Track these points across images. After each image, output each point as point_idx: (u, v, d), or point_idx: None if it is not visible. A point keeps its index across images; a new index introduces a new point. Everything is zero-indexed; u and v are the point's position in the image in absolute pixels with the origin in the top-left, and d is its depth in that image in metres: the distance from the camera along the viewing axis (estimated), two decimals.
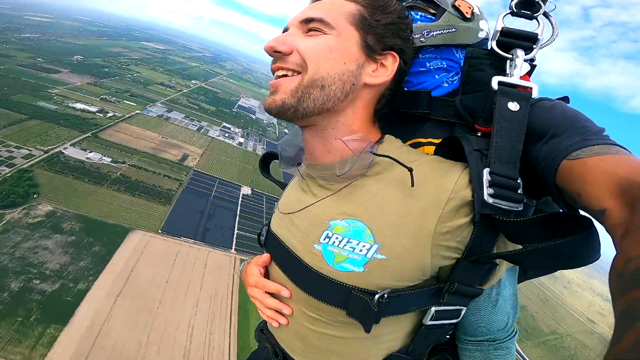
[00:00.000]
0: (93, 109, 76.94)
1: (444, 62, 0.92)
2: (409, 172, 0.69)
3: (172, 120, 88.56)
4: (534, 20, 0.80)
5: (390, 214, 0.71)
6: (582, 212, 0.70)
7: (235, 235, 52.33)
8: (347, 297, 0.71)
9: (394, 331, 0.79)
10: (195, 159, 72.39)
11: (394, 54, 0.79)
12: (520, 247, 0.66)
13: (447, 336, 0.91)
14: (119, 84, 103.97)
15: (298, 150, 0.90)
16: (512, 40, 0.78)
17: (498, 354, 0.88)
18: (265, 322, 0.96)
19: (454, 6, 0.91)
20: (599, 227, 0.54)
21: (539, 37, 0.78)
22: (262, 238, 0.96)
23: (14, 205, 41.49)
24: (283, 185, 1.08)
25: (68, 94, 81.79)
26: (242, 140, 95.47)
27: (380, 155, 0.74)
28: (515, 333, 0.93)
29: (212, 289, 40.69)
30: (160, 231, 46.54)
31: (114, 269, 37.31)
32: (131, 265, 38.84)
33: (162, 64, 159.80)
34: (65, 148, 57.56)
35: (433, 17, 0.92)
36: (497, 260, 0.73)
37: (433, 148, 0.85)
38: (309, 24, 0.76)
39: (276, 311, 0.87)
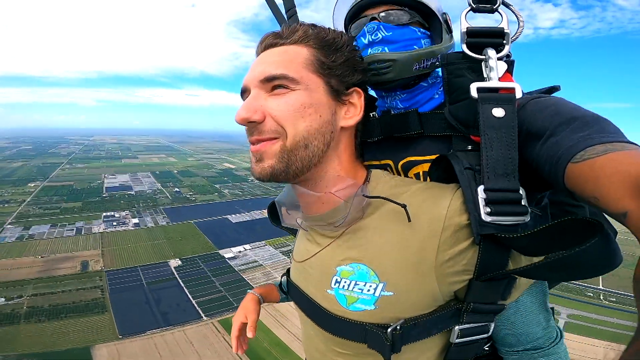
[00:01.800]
0: None
1: (435, 78, 1.06)
2: (402, 208, 0.80)
3: (39, 237, 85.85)
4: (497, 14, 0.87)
5: (389, 251, 0.82)
6: (591, 214, 0.89)
7: (196, 305, 58.75)
8: (365, 332, 0.84)
9: (425, 352, 0.89)
10: (99, 261, 74.20)
11: (358, 89, 0.91)
12: (538, 259, 0.71)
13: (487, 348, 1.04)
14: None
15: (295, 204, 0.98)
16: (481, 39, 0.84)
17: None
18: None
19: (445, 20, 1.04)
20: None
21: (505, 30, 0.84)
22: (284, 287, 1.16)
23: None
24: (294, 232, 1.21)
25: None
26: (136, 220, 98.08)
27: (373, 197, 0.85)
28: (559, 337, 1.04)
29: (215, 358, 46.83)
30: (120, 336, 50.25)
31: None
32: None
33: None
34: None
35: (428, 32, 1.04)
36: None
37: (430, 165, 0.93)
38: (272, 82, 0.83)
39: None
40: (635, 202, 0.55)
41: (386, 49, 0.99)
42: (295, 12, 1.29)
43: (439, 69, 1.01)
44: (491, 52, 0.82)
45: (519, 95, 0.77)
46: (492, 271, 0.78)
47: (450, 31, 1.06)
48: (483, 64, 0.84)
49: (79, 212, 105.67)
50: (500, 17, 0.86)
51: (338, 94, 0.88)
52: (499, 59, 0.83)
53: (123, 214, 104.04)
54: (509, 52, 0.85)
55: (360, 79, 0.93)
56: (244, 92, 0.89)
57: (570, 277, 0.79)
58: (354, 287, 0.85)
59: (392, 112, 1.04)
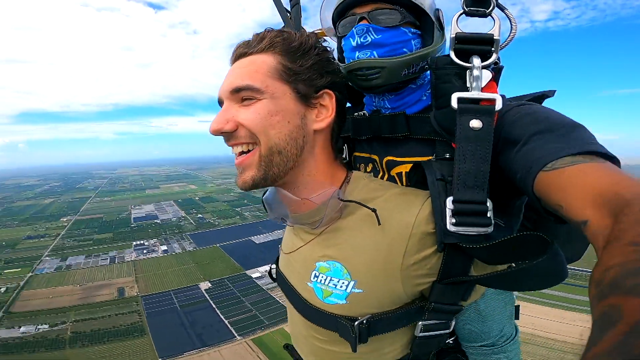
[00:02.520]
0: None
1: (425, 80, 1.03)
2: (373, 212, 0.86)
3: (76, 267, 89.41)
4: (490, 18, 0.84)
5: (362, 252, 0.88)
6: (546, 228, 0.97)
7: (229, 324, 60.49)
8: (336, 323, 0.91)
9: (392, 343, 0.97)
10: (134, 287, 76.80)
11: (328, 91, 0.92)
12: (493, 269, 0.81)
13: (451, 341, 1.09)
14: None
15: (280, 201, 1.01)
16: (469, 46, 0.83)
17: (498, 357, 1.06)
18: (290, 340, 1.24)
19: (437, 17, 1.00)
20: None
21: (495, 37, 0.82)
22: (274, 274, 1.22)
23: None
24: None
25: None
26: (164, 247, 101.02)
27: (346, 201, 0.90)
28: (514, 336, 1.09)
29: None
30: (160, 359, 52.13)
31: None
32: None
33: (9, 216, 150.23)
34: None
35: (419, 32, 1.00)
36: None
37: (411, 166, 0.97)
38: (240, 93, 0.86)
39: None
40: (595, 212, 0.57)
41: (375, 53, 0.96)
42: (298, 2, 1.33)
43: (428, 71, 1.00)
44: (476, 61, 0.81)
45: (499, 107, 0.77)
46: (453, 276, 0.84)
47: (441, 28, 1.02)
48: (468, 72, 0.83)
49: (110, 242, 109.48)
50: (492, 21, 0.84)
51: (306, 98, 0.89)
52: (486, 67, 0.82)
53: (152, 241, 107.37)
54: (498, 58, 0.84)
55: (330, 81, 0.93)
56: (220, 104, 0.92)
57: (521, 288, 0.85)
58: (329, 283, 0.92)
59: (382, 112, 1.05)
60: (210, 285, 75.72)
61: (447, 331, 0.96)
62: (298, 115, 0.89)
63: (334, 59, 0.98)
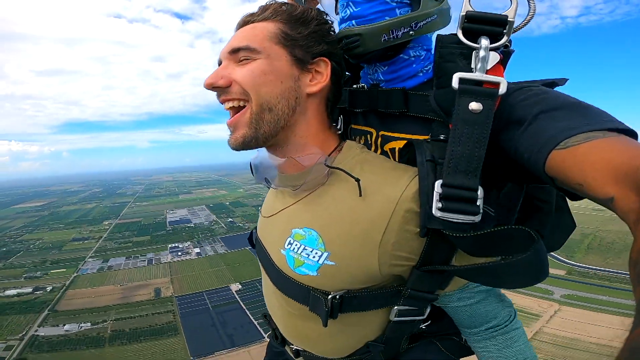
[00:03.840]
0: (27, 289, 78.25)
1: (422, 51, 0.98)
2: (363, 183, 0.82)
3: (117, 267, 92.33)
4: None
5: (341, 223, 0.84)
6: (557, 208, 0.93)
7: (258, 325, 60.47)
8: (308, 295, 0.88)
9: (365, 323, 0.94)
10: (169, 288, 78.45)
11: (324, 59, 0.92)
12: (472, 261, 0.76)
13: (424, 327, 1.04)
14: (30, 257, 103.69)
15: (268, 162, 0.99)
16: (479, 26, 0.77)
17: (506, 337, 0.99)
18: (267, 309, 1.17)
19: None
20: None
21: (509, 19, 0.75)
22: (254, 239, 1.17)
23: None
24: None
25: None
26: (197, 250, 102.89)
27: (332, 167, 0.87)
28: (515, 314, 1.03)
29: None
30: (192, 358, 52.82)
31: None
32: None
33: (56, 220, 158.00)
34: (36, 331, 60.41)
35: (408, 1, 0.94)
36: None
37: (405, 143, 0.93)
38: (238, 54, 0.87)
39: None
40: (618, 188, 0.54)
41: (353, 22, 0.95)
42: None
43: (424, 49, 0.98)
44: (484, 42, 0.75)
45: (502, 90, 0.72)
46: (433, 264, 0.80)
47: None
48: (474, 53, 0.78)
49: (148, 244, 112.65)
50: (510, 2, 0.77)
51: (302, 63, 0.90)
52: (494, 49, 0.77)
53: (186, 244, 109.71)
54: (509, 41, 0.79)
55: (328, 49, 0.93)
56: (219, 65, 0.92)
57: (501, 284, 0.82)
58: (302, 252, 0.89)
59: (381, 86, 1.01)
60: (240, 286, 76.23)
61: (422, 318, 0.95)
62: (292, 77, 0.89)
63: (334, 32, 0.98)
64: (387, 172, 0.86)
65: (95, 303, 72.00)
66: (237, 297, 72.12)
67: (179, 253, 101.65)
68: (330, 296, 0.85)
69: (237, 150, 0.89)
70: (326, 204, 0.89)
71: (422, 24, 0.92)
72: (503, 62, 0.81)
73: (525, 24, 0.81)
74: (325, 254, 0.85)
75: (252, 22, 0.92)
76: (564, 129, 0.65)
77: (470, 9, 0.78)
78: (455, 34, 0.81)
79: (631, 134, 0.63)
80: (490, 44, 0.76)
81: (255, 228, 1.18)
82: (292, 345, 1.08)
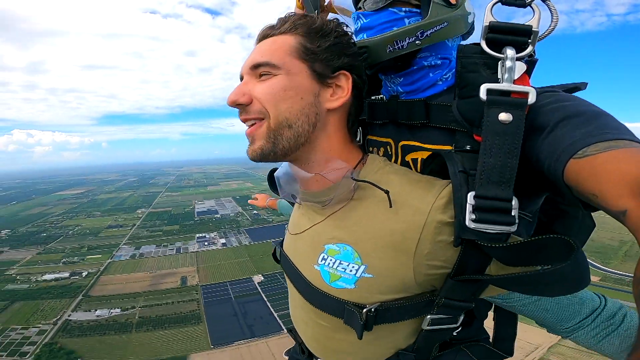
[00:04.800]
0: (64, 274, 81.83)
1: (438, 60, 0.96)
2: (390, 196, 0.81)
3: (147, 255, 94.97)
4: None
5: (374, 237, 0.83)
6: (583, 213, 0.90)
7: (277, 318, 60.54)
8: (343, 309, 0.86)
9: (397, 333, 0.92)
10: (195, 277, 79.89)
11: (345, 72, 0.89)
12: (513, 270, 0.74)
13: (455, 333, 1.00)
14: (68, 243, 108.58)
15: (293, 178, 0.98)
16: (503, 36, 0.76)
17: (613, 322, 0.98)
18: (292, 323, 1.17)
19: None
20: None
21: (533, 29, 0.75)
22: (278, 255, 1.16)
23: None
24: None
25: (28, 270, 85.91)
26: (223, 241, 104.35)
27: (359, 180, 0.86)
28: (603, 303, 1.01)
29: None
30: (212, 346, 53.45)
31: None
32: None
33: (94, 207, 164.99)
34: (69, 315, 63.02)
35: (418, 10, 0.93)
36: None
37: (429, 154, 0.91)
38: (258, 69, 0.86)
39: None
40: (634, 201, 0.53)
41: (364, 35, 0.96)
42: None
43: (440, 57, 0.96)
44: (510, 52, 0.75)
45: (532, 100, 0.72)
46: (468, 273, 0.78)
47: (449, 4, 0.94)
48: (500, 63, 0.77)
49: (177, 234, 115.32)
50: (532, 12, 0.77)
51: (322, 77, 0.88)
52: (520, 59, 0.76)
53: (212, 235, 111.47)
54: (533, 51, 0.77)
55: (348, 62, 0.91)
56: (241, 80, 0.92)
57: (540, 292, 0.81)
58: (338, 266, 0.87)
59: (400, 98, 1.00)
60: (262, 278, 76.54)
61: (455, 325, 0.91)
62: (312, 92, 0.87)
63: (354, 44, 0.95)
64: (413, 184, 0.85)
65: (125, 289, 74.32)
66: (259, 288, 72.43)
67: (206, 243, 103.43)
68: (365, 309, 0.83)
69: (255, 161, 0.89)
70: (357, 219, 0.88)
71: (429, 32, 0.91)
72: (528, 71, 0.79)
73: (549, 33, 0.79)
74: (362, 267, 0.84)
75: (272, 35, 0.91)
76: (583, 136, 0.64)
77: (493, 20, 0.77)
78: (478, 44, 0.81)
79: None
80: (516, 53, 0.75)
81: (280, 244, 1.17)
82: (319, 358, 1.06)
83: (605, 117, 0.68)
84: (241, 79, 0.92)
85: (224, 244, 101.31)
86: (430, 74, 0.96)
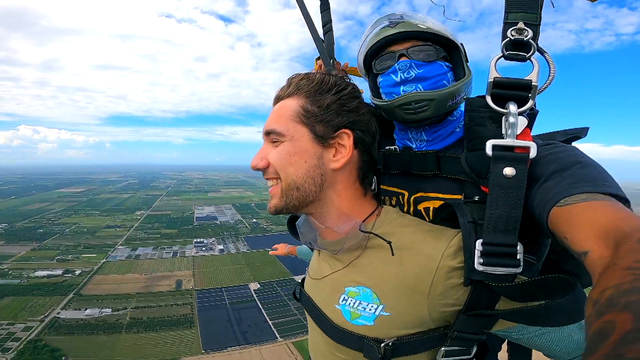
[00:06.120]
0: (57, 272, 79.84)
1: (459, 111, 1.03)
2: (402, 243, 0.90)
3: (143, 257, 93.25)
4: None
5: (390, 280, 0.90)
6: (568, 267, 1.00)
7: (272, 326, 58.59)
8: (362, 343, 0.92)
9: None
10: (190, 281, 77.97)
11: (347, 131, 0.95)
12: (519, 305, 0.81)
13: None
14: (64, 240, 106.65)
15: (311, 228, 1.06)
16: (506, 91, 0.81)
17: None
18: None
19: (462, 46, 1.01)
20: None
21: (532, 83, 0.79)
22: (297, 295, 1.23)
23: None
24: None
25: (21, 265, 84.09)
26: (221, 247, 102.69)
27: (365, 232, 0.94)
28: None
29: None
30: (204, 350, 51.32)
31: None
32: None
33: (93, 206, 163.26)
34: (58, 313, 60.94)
35: (450, 64, 1.01)
36: None
37: (440, 203, 0.97)
38: (270, 136, 0.97)
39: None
40: (596, 244, 0.58)
41: (420, 86, 0.96)
42: (331, 28, 1.46)
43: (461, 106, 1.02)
44: (513, 108, 0.80)
45: (533, 155, 0.77)
46: (479, 309, 0.84)
47: (466, 60, 1.03)
48: (503, 118, 0.82)
49: (175, 237, 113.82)
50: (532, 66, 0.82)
51: (323, 139, 0.94)
52: (521, 113, 0.80)
53: (210, 240, 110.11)
54: (534, 104, 0.82)
55: (350, 118, 0.96)
56: (264, 139, 1.02)
57: (545, 323, 0.84)
58: (358, 306, 0.94)
59: (413, 149, 1.05)
60: (259, 286, 74.82)
61: (468, 357, 0.95)
62: (315, 155, 0.94)
63: (358, 95, 1.01)
64: (425, 234, 0.92)
65: (119, 290, 72.32)
66: (254, 296, 70.56)
67: (203, 248, 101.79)
68: (383, 344, 0.89)
69: (272, 214, 1.01)
70: (374, 265, 0.94)
71: (469, 89, 1.00)
72: (529, 124, 0.85)
73: (547, 85, 0.86)
74: (380, 307, 0.90)
75: (282, 98, 1.00)
76: (567, 187, 0.70)
77: (497, 75, 0.81)
78: (483, 97, 0.86)
79: (625, 202, 0.68)
80: (518, 108, 0.80)
81: (301, 284, 1.24)
82: None
83: (591, 168, 0.74)
84: (263, 137, 1.02)
85: (221, 250, 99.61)
86: (451, 123, 1.03)
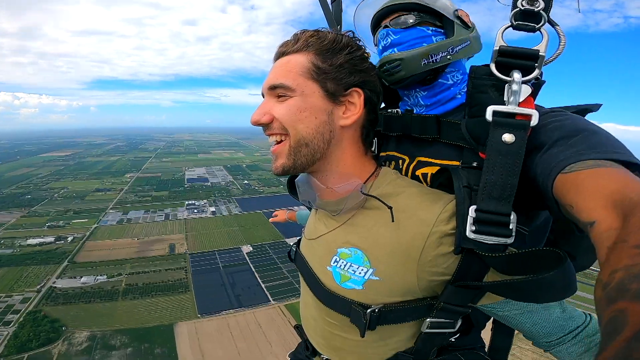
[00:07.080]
0: (49, 239, 79.02)
1: (459, 75, 1.04)
2: (399, 205, 0.89)
3: (135, 221, 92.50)
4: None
5: (383, 243, 0.89)
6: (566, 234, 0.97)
7: (265, 289, 59.56)
8: (350, 308, 0.92)
9: (397, 335, 0.97)
10: (183, 245, 78.09)
11: (357, 89, 0.94)
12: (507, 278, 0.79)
13: (453, 339, 1.06)
14: (54, 206, 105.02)
15: (311, 187, 1.05)
16: (512, 60, 0.79)
17: (590, 340, 0.93)
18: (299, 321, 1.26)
19: (457, 17, 1.02)
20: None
21: (540, 53, 0.77)
22: (292, 255, 1.24)
23: (51, 342, 45.65)
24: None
25: (11, 233, 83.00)
26: (213, 209, 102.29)
27: (367, 195, 0.93)
28: (587, 321, 0.95)
29: (281, 341, 47.07)
30: (199, 315, 52.32)
31: None
32: (199, 353, 44.48)
33: (81, 170, 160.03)
34: (54, 282, 60.85)
35: (442, 30, 1.03)
36: None
37: (438, 168, 0.97)
38: (276, 90, 0.92)
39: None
40: (605, 213, 0.56)
41: (395, 49, 1.02)
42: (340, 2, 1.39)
43: (461, 72, 1.04)
44: (517, 76, 0.78)
45: (534, 122, 0.75)
46: (467, 280, 0.83)
47: (467, 26, 1.03)
48: (507, 85, 0.80)
49: (166, 200, 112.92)
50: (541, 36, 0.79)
51: (335, 96, 0.92)
52: (526, 82, 0.79)
53: (202, 202, 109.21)
54: (540, 74, 0.80)
55: (360, 79, 0.95)
56: (263, 96, 0.98)
57: (532, 299, 0.83)
58: (348, 268, 0.93)
59: (414, 112, 1.06)
60: (251, 249, 75.33)
61: (452, 330, 0.96)
62: (325, 111, 0.92)
63: (367, 56, 1.00)
64: (421, 197, 0.90)
65: (112, 256, 72.15)
66: (247, 258, 71.10)
67: (195, 210, 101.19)
68: (369, 310, 0.89)
69: (278, 175, 0.97)
70: (369, 226, 0.94)
71: (458, 48, 0.99)
72: (534, 93, 0.83)
73: (556, 56, 0.82)
74: (371, 270, 0.90)
75: (287, 53, 0.96)
76: (574, 154, 0.68)
77: (503, 44, 0.80)
78: (488, 66, 0.83)
79: (638, 167, 0.65)
80: (522, 76, 0.78)
81: (296, 245, 1.24)
82: (323, 355, 1.11)
83: (600, 135, 0.71)
84: (262, 95, 0.98)
85: (213, 212, 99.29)
86: (452, 88, 1.04)
